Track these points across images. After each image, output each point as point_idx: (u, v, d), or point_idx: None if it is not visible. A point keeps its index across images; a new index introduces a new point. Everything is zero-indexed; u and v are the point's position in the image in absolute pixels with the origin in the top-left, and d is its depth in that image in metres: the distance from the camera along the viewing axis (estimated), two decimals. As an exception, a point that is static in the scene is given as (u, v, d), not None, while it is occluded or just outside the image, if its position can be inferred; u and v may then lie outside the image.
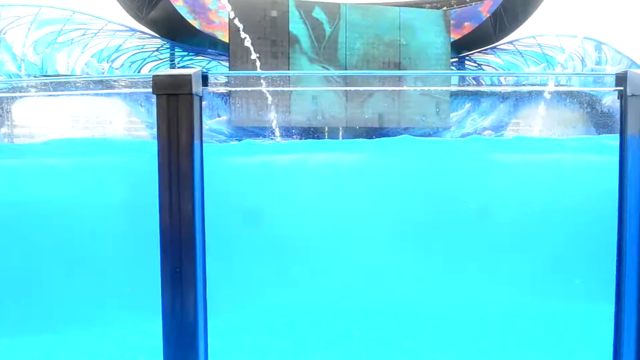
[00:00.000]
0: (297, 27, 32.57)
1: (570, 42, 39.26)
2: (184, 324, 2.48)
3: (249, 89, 3.24)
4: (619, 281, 2.66)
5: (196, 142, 2.50)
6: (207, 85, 2.70)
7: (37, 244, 4.50)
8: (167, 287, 2.48)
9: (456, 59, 41.07)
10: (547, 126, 27.55)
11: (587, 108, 27.80)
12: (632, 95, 2.69)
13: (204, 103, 2.67)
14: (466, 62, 42.96)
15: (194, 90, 2.50)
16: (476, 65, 43.42)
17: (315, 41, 32.83)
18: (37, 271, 4.53)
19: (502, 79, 29.86)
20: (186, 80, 2.50)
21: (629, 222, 2.60)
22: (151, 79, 2.52)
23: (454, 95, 34.19)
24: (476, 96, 35.21)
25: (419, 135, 32.61)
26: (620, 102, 2.79)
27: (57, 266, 4.56)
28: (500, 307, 4.28)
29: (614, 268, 2.69)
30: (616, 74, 2.81)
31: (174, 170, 2.46)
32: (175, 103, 2.48)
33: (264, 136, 27.57)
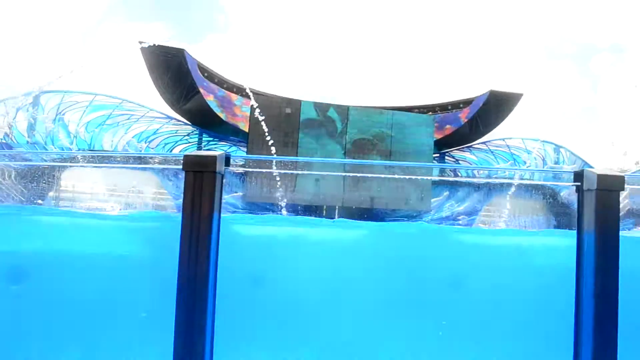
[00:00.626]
0: (308, 122, 33.36)
1: (533, 144, 39.96)
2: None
3: (264, 170, 3.27)
4: (576, 351, 2.58)
5: (215, 213, 2.49)
6: (229, 165, 2.71)
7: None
8: (180, 336, 2.41)
9: (438, 154, 41.66)
10: (514, 213, 27.63)
11: (548, 199, 27.96)
12: (588, 189, 2.69)
13: (224, 180, 2.68)
14: (446, 157, 43.56)
15: (217, 169, 2.52)
16: (454, 160, 43.99)
17: (326, 135, 33.66)
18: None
19: (475, 172, 30.17)
20: (212, 160, 2.52)
21: (585, 307, 2.56)
22: (182, 158, 2.54)
23: (435, 183, 34.48)
24: (454, 186, 35.52)
25: (403, 216, 32.73)
26: (578, 196, 2.79)
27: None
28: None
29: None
30: (574, 171, 2.82)
31: (194, 235, 2.44)
32: (200, 179, 2.49)
33: (272, 211, 27.67)
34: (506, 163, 41.26)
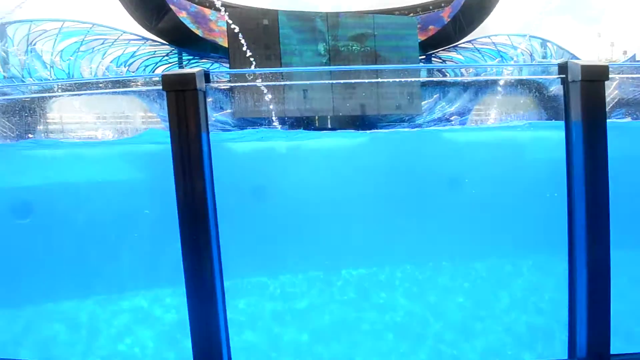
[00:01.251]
0: (287, 33, 32.43)
1: (520, 40, 39.41)
2: (203, 282, 2.53)
3: (246, 84, 3.22)
4: (570, 240, 2.70)
5: (203, 131, 2.51)
6: (209, 82, 2.69)
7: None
8: (187, 254, 2.51)
9: (424, 57, 41.07)
10: (504, 110, 27.68)
11: (536, 93, 27.94)
12: (573, 81, 2.70)
13: (209, 99, 2.67)
14: (432, 58, 42.99)
15: (198, 86, 2.51)
16: (441, 60, 43.46)
17: (308, 44, 32.79)
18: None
19: (463, 70, 29.92)
20: (191, 77, 2.51)
21: (576, 195, 2.64)
22: (161, 78, 2.52)
23: (425, 85, 34.22)
24: (443, 87, 35.29)
25: (396, 121, 32.79)
26: (563, 88, 2.80)
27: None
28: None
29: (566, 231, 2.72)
30: (558, 63, 2.82)
31: (185, 155, 2.48)
32: (182, 98, 2.49)
33: (262, 125, 27.59)
34: (493, 60, 40.83)
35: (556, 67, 2.90)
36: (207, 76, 2.68)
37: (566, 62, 2.78)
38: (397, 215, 4.22)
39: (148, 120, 29.21)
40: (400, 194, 4.26)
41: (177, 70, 2.60)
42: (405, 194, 4.25)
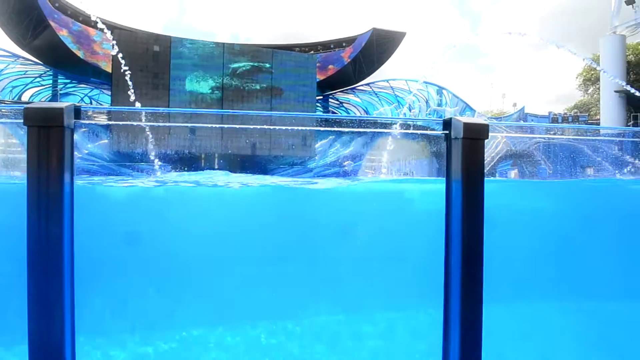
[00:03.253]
0: (179, 62, 31.93)
1: (417, 86, 41.58)
2: (51, 346, 2.33)
3: (122, 123, 3.11)
4: (446, 287, 2.83)
5: (67, 173, 2.36)
6: (79, 119, 2.56)
7: None
8: (33, 315, 2.32)
9: (321, 97, 42.11)
10: (397, 157, 28.89)
11: (427, 142, 29.51)
12: (455, 138, 2.87)
13: (82, 129, 2.55)
14: (330, 99, 44.22)
15: (65, 123, 2.36)
16: (338, 102, 44.77)
17: (200, 75, 32.33)
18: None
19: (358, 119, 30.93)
20: (58, 112, 2.35)
21: (453, 248, 2.78)
22: (22, 110, 2.36)
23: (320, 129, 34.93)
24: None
25: (287, 163, 33.02)
26: (447, 144, 2.96)
27: None
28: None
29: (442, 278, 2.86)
30: (443, 119, 2.99)
31: (43, 201, 2.31)
32: (46, 135, 2.33)
33: (145, 161, 26.60)
34: (390, 105, 42.70)
35: (441, 123, 3.09)
36: (77, 111, 2.55)
37: (450, 119, 2.96)
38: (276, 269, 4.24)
39: (8, 149, 27.25)
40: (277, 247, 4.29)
41: (42, 103, 2.45)
42: (285, 247, 4.30)
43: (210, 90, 32.58)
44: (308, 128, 3.66)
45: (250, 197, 4.83)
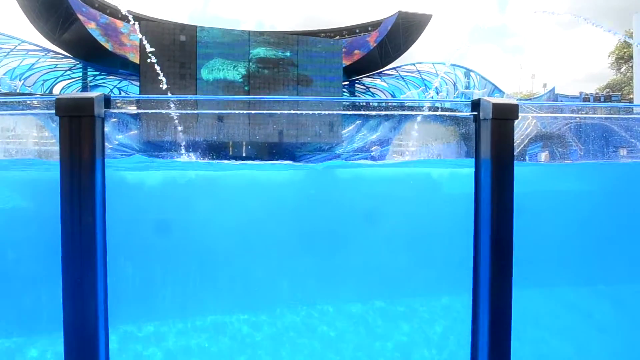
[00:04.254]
0: (205, 51, 32.10)
1: (444, 69, 41.13)
2: (85, 333, 2.38)
3: (153, 111, 3.14)
4: (475, 277, 2.81)
5: (98, 162, 2.40)
6: (109, 108, 2.60)
7: None
8: (68, 299, 2.37)
9: (347, 82, 41.92)
10: (425, 140, 28.67)
11: (455, 125, 29.18)
12: (484, 119, 2.83)
13: (112, 119, 2.59)
14: (356, 84, 44.01)
15: (95, 112, 2.39)
16: (365, 87, 44.55)
17: (227, 64, 32.47)
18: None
19: (383, 103, 30.80)
20: (89, 102, 2.39)
21: (482, 233, 2.76)
22: (54, 101, 2.40)
23: (346, 113, 34.89)
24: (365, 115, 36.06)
25: (315, 150, 33.03)
26: (475, 125, 2.93)
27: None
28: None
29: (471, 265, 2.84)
30: (471, 100, 2.95)
31: (76, 189, 2.35)
32: (77, 125, 2.37)
33: (174, 150, 26.87)
34: (417, 89, 42.36)
35: (469, 104, 3.05)
36: (107, 101, 2.58)
37: (479, 100, 2.92)
38: (309, 254, 4.26)
39: (42, 141, 27.81)
40: (312, 232, 4.30)
41: (73, 94, 2.49)
42: (318, 232, 4.31)
43: (236, 79, 32.73)
44: (335, 112, 3.64)
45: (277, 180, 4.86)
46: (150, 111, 3.15)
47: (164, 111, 3.37)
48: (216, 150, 29.55)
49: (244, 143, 31.76)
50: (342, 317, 4.33)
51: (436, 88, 40.28)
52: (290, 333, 4.20)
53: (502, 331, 2.73)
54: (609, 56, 57.51)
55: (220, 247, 4.22)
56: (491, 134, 2.75)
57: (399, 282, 4.39)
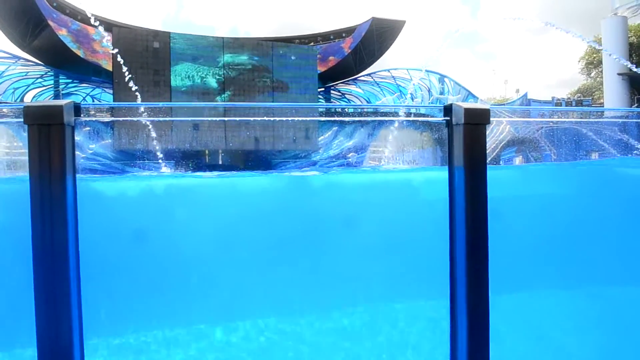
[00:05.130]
0: (179, 58, 31.95)
1: (418, 75, 41.48)
2: (59, 351, 2.35)
3: (122, 118, 3.10)
4: (452, 281, 2.84)
5: (69, 171, 2.37)
6: (79, 116, 2.57)
7: None
8: (41, 316, 2.33)
9: (323, 89, 42.03)
10: (400, 146, 28.85)
11: (429, 130, 29.46)
12: (456, 124, 2.86)
13: (85, 128, 2.56)
14: (331, 91, 44.16)
15: (65, 120, 2.36)
16: (340, 94, 44.72)
17: (201, 71, 32.36)
18: None
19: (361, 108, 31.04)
20: (58, 110, 2.36)
21: (458, 238, 2.78)
22: (22, 109, 2.37)
23: (322, 120, 34.95)
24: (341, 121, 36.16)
25: (291, 157, 33.06)
26: (448, 130, 2.95)
27: None
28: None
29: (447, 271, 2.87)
30: (444, 105, 2.98)
31: (46, 199, 2.32)
32: (46, 133, 2.34)
33: (148, 159, 26.63)
34: (392, 95, 42.63)
35: (442, 109, 3.08)
36: (77, 109, 2.56)
37: (451, 105, 2.94)
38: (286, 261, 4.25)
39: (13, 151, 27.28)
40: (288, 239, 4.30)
41: (41, 102, 2.46)
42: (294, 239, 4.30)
43: (211, 85, 32.62)
44: (311, 118, 3.66)
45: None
46: (122, 119, 3.12)
47: (134, 118, 3.35)
48: (191, 158, 29.36)
49: (219, 151, 31.63)
50: (324, 323, 4.33)
51: (411, 94, 40.59)
52: (270, 341, 4.19)
53: (480, 336, 2.76)
54: (579, 61, 58.55)
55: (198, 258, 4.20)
56: (463, 139, 2.78)
57: (378, 287, 4.41)
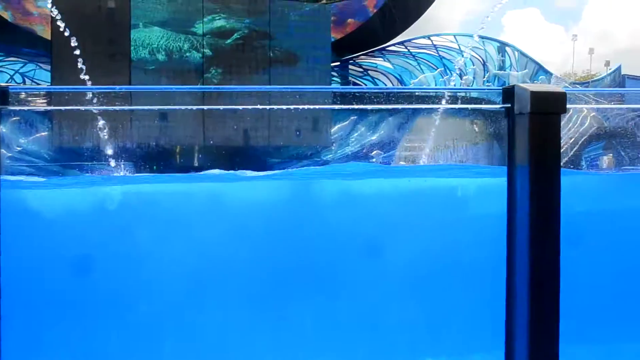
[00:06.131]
0: (143, 22, 31.88)
1: (470, 43, 41.12)
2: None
3: (65, 108, 3.12)
4: (508, 325, 2.84)
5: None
6: (7, 104, 2.61)
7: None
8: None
9: (338, 63, 41.86)
10: (444, 143, 28.62)
11: (485, 120, 29.16)
12: (520, 113, 2.85)
13: (13, 118, 2.60)
14: (350, 66, 43.98)
15: (-13, 109, 2.40)
16: (362, 70, 44.52)
17: (174, 38, 32.15)
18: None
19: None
20: (-23, 97, 2.40)
21: (518, 263, 2.78)
22: None
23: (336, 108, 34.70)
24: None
25: (293, 156, 32.89)
26: (508, 121, 2.95)
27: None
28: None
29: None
30: (503, 88, 2.99)
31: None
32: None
33: (98, 160, 26.66)
34: (434, 71, 42.48)
35: (500, 93, 3.09)
36: (4, 94, 2.60)
37: (512, 87, 2.95)
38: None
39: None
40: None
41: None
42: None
43: (186, 60, 32.53)
44: (321, 107, 3.68)
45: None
46: (64, 108, 3.15)
47: (82, 107, 3.37)
48: (157, 159, 29.29)
49: (195, 148, 31.51)
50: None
51: (460, 70, 40.41)
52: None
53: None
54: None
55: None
56: (530, 133, 2.78)
57: (405, 337, 4.41)
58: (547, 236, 2.80)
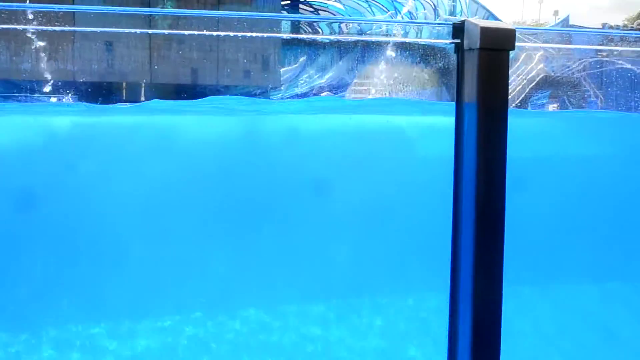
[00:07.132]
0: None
1: (422, -14, 41.08)
2: None
3: (6, 27, 2.98)
4: (454, 264, 2.87)
5: None
6: None
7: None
8: None
9: (288, 2, 41.42)
10: (395, 86, 28.62)
11: (438, 63, 29.18)
12: (469, 48, 2.84)
13: None
14: (300, 5, 43.54)
15: None
16: (313, 10, 44.18)
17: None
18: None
19: (343, 26, 30.74)
20: None
21: (465, 202, 2.80)
22: None
23: (287, 44, 34.29)
24: (312, 48, 35.59)
25: (243, 95, 32.54)
26: (458, 57, 2.94)
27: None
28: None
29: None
30: (453, 23, 2.97)
31: None
32: None
33: (36, 92, 26.00)
34: (385, 14, 42.33)
35: (450, 29, 3.07)
36: None
37: (462, 22, 2.92)
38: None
39: None
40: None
41: None
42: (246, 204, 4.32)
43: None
44: (270, 35, 3.62)
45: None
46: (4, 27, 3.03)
47: (15, 26, 3.26)
48: (102, 94, 28.75)
49: (142, 85, 31.01)
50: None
51: (409, 13, 40.33)
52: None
53: (489, 335, 2.79)
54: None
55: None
56: (479, 69, 2.77)
57: (354, 275, 4.44)
58: (494, 170, 2.81)
